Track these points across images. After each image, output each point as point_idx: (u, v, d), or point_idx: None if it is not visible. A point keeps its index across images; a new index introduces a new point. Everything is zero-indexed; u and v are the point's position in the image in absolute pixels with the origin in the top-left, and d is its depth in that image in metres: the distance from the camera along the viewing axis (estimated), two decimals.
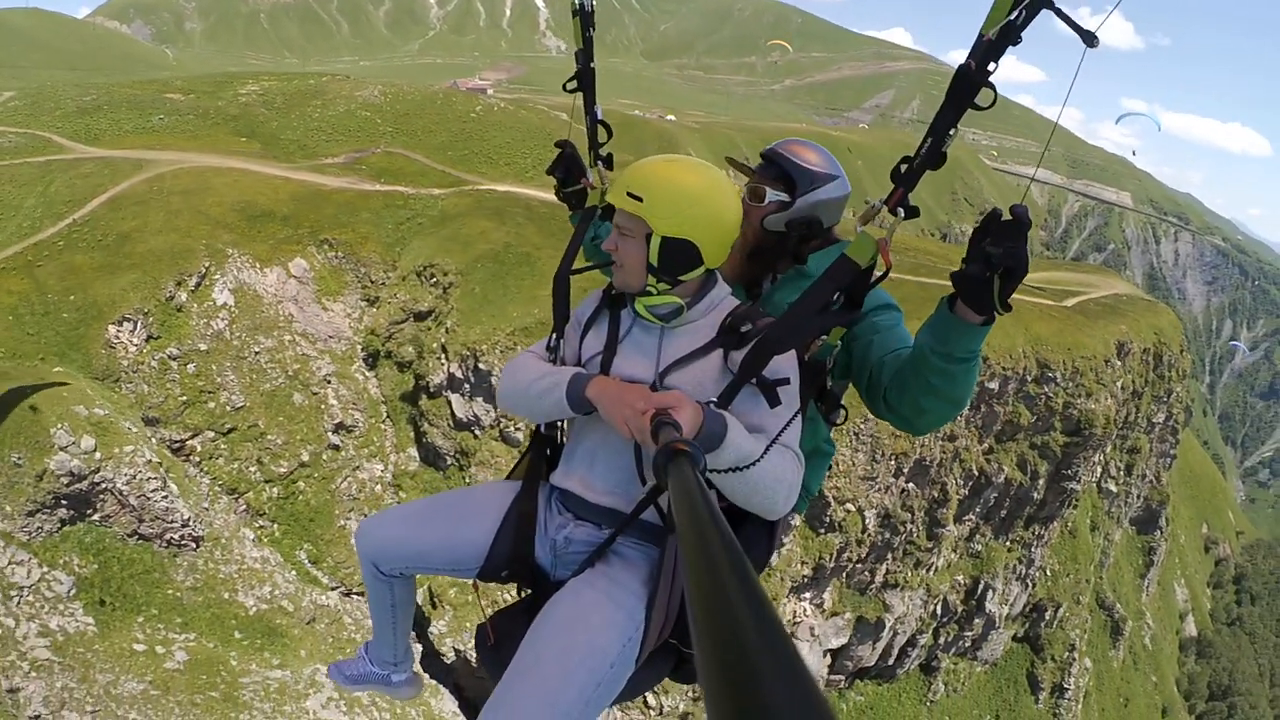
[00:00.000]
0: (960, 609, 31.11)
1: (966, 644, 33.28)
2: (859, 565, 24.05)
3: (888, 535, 23.99)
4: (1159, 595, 56.42)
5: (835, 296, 2.01)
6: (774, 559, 20.07)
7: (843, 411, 2.36)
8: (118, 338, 23.54)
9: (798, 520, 20.26)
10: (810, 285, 2.03)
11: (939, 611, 29.81)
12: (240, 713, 19.02)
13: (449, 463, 22.96)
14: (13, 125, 37.07)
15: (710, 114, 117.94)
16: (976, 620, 32.05)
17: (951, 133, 1.79)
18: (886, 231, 1.94)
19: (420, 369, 25.67)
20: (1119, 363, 30.21)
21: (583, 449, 2.19)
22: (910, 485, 23.45)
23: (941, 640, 31.82)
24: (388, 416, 27.54)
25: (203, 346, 24.50)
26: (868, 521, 22.29)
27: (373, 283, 28.56)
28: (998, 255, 1.72)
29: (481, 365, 21.88)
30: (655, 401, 1.72)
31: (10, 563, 18.15)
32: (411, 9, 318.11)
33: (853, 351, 2.31)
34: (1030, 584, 33.87)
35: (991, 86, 1.71)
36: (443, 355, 23.85)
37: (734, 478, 1.83)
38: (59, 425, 19.46)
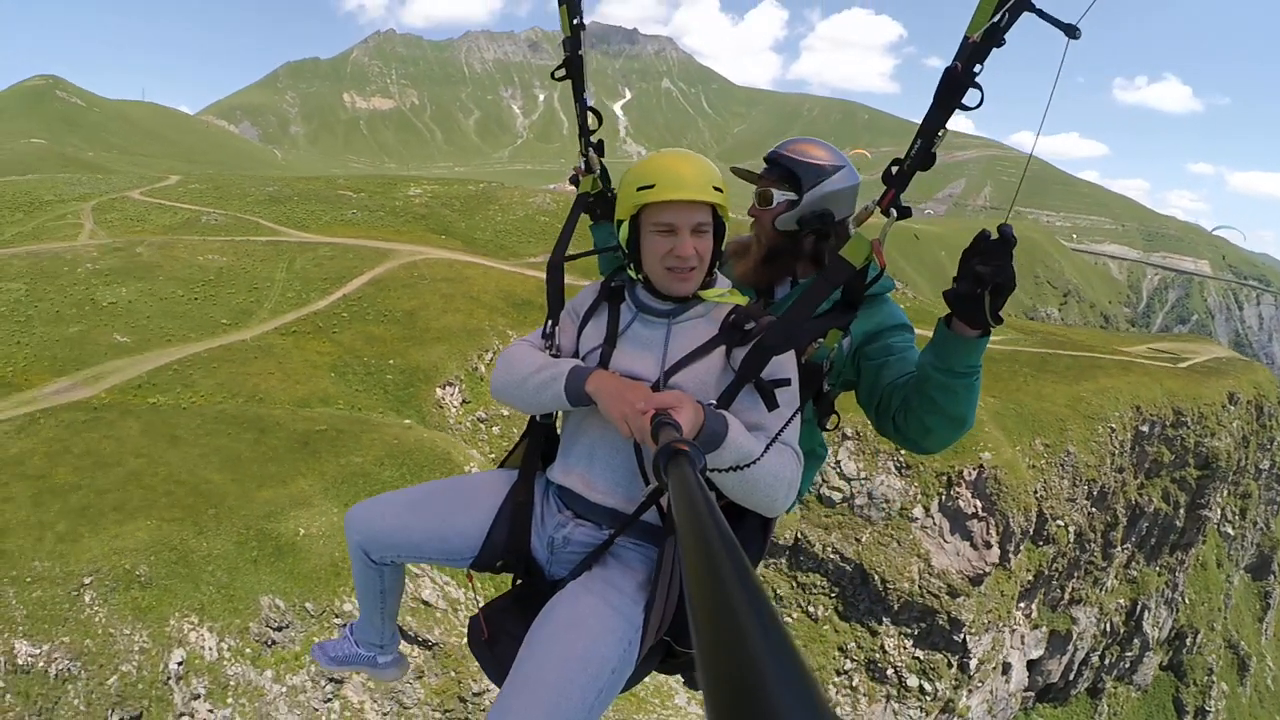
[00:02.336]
0: (1121, 630, 36.10)
1: (1126, 666, 37.94)
2: (1054, 581, 29.75)
3: (1078, 553, 29.76)
4: (1276, 642, 59.23)
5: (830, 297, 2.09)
6: (1011, 563, 25.96)
7: (835, 417, 2.41)
8: (444, 399, 26.33)
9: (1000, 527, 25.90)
10: (807, 287, 2.12)
11: (1107, 630, 34.91)
12: (637, 710, 21.16)
13: None
14: (209, 206, 41.89)
15: None
16: (1135, 641, 36.89)
17: (940, 134, 1.86)
18: (880, 232, 2.03)
19: None
20: (1232, 408, 36.29)
21: (581, 445, 2.19)
22: (1094, 510, 29.42)
23: (1106, 661, 36.61)
24: None
25: (504, 412, 27.13)
26: (1071, 537, 28.20)
27: None
28: (987, 273, 1.85)
29: None
30: (655, 401, 1.73)
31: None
32: (500, 118, 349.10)
33: (862, 370, 2.38)
34: (1175, 609, 38.75)
35: (978, 87, 1.77)
36: None
37: (734, 476, 1.85)
38: (468, 465, 21.52)
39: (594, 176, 2.82)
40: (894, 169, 1.96)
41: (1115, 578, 34.17)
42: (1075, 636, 32.49)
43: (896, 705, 25.42)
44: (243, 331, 26.77)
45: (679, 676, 2.66)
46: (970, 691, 27.17)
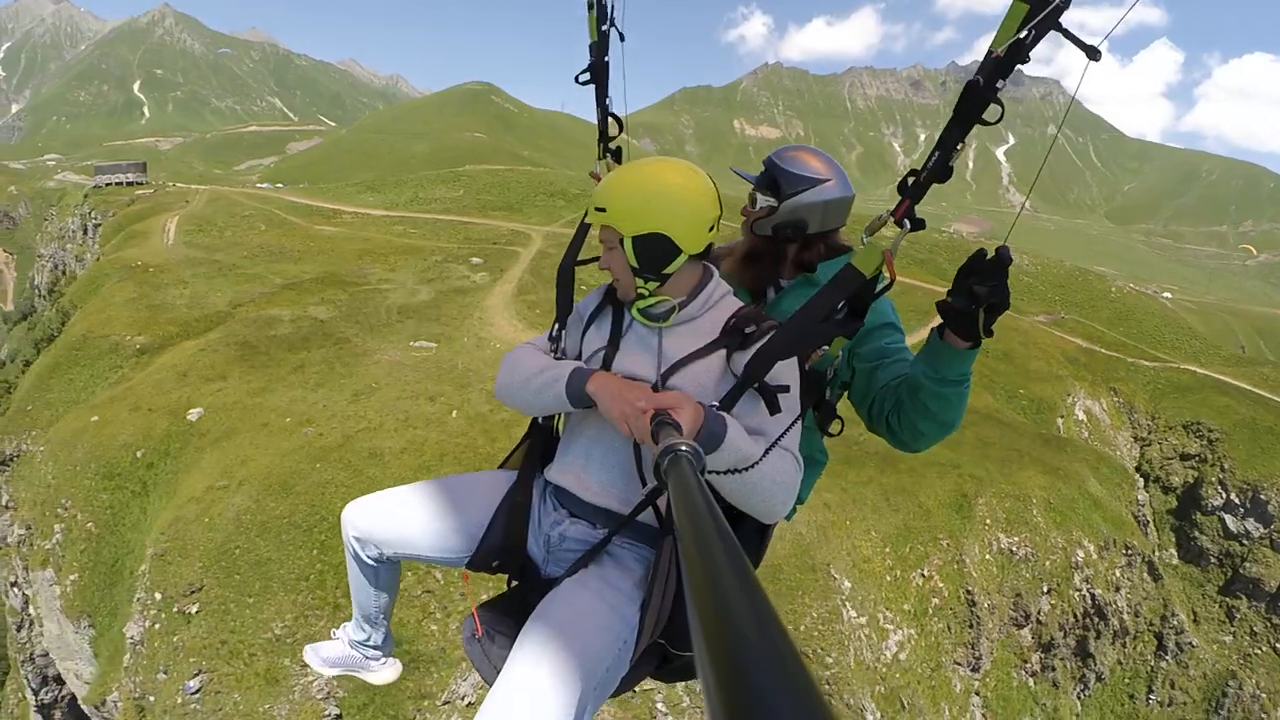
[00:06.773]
0: None
1: None
2: None
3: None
4: None
5: (839, 305, 2.06)
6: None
7: (839, 422, 2.40)
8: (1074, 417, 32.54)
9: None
10: (816, 293, 2.09)
11: None
12: None
13: (1210, 562, 31.07)
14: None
15: (1184, 289, 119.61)
16: None
17: (959, 147, 1.83)
18: (892, 242, 1.98)
19: (1200, 494, 32.01)
20: None
21: (578, 445, 2.18)
22: None
23: None
24: (1152, 524, 32.38)
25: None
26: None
27: (1139, 425, 36.84)
28: (984, 292, 1.87)
29: (1261, 496, 30.45)
30: (656, 401, 1.73)
31: None
32: (881, 155, 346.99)
33: (855, 369, 2.41)
34: None
35: (999, 102, 1.76)
36: (1220, 487, 31.80)
37: (733, 479, 1.85)
38: None
39: None
40: (910, 180, 1.93)
41: None
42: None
43: None
44: None
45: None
46: None
